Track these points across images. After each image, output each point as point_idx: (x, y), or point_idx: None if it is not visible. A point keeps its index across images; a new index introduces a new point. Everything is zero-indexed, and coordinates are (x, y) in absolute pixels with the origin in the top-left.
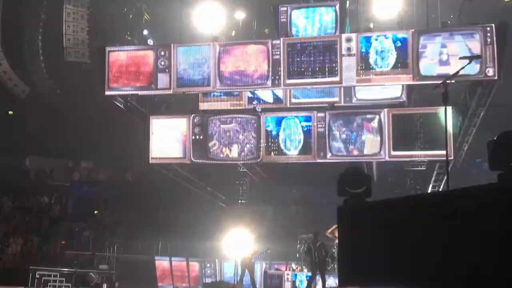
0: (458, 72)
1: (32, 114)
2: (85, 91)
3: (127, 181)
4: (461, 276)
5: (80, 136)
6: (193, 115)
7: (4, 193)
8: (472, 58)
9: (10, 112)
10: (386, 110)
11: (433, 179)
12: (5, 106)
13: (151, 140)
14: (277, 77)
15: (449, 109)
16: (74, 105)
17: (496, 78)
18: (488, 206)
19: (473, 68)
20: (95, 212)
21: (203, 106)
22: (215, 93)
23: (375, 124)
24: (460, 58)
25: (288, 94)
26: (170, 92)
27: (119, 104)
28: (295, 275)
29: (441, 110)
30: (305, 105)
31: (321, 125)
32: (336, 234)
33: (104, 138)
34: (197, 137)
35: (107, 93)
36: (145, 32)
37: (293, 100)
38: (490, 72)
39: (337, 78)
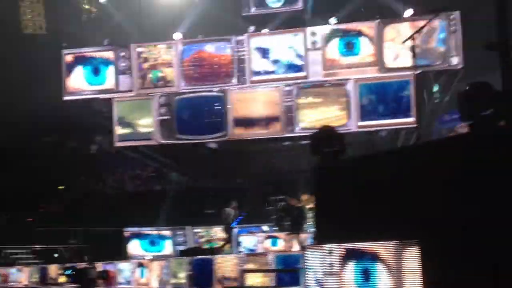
0: (424, 26)
1: None
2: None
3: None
4: (436, 226)
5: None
6: (158, 95)
7: None
8: (439, 11)
9: None
10: (353, 79)
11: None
12: None
13: (114, 124)
14: (242, 74)
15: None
16: None
17: (460, 67)
18: (462, 154)
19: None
20: (61, 187)
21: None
22: None
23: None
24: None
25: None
26: (133, 94)
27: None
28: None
29: (409, 77)
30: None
31: (288, 99)
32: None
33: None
34: (164, 117)
35: (65, 98)
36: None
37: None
38: (455, 61)
39: (303, 73)
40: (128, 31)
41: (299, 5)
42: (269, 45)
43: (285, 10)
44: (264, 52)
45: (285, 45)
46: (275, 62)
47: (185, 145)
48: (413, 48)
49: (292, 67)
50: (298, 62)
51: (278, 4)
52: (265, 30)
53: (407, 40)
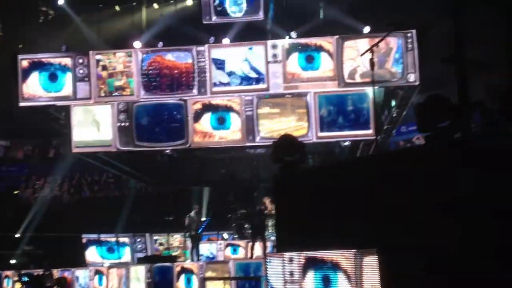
0: (382, 39)
1: None
2: None
3: (49, 158)
4: (395, 235)
5: None
6: (117, 101)
7: None
8: (396, 25)
9: None
10: (312, 91)
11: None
12: None
13: (72, 130)
14: (203, 85)
15: (377, 88)
16: None
17: (417, 83)
18: (418, 165)
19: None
20: (16, 192)
21: None
22: None
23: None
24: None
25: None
26: (91, 102)
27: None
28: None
29: (368, 90)
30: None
31: (249, 108)
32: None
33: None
34: (123, 124)
35: (21, 104)
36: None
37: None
38: (412, 77)
39: (264, 85)
40: (87, 36)
41: (260, 16)
42: (224, 56)
43: (246, 20)
44: (219, 64)
45: (240, 58)
46: (230, 74)
47: (144, 151)
48: (371, 62)
49: (247, 80)
50: (253, 74)
51: (239, 14)
52: (226, 40)
53: (365, 53)
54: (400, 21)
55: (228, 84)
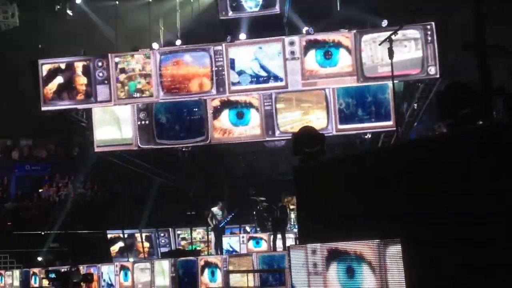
0: (402, 27)
1: None
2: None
3: (72, 157)
4: (417, 225)
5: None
6: (137, 103)
7: None
8: (416, 11)
9: None
10: (331, 87)
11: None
12: None
13: (94, 130)
14: (221, 84)
15: (397, 82)
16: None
17: (438, 76)
18: (440, 154)
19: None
20: (40, 190)
21: None
22: None
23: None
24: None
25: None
26: (111, 104)
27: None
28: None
29: (388, 83)
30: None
31: (268, 104)
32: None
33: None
34: (143, 122)
35: (43, 108)
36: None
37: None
38: (432, 70)
39: (282, 83)
40: (106, 36)
41: (277, 10)
42: (234, 55)
43: (262, 14)
44: (229, 63)
45: (249, 57)
46: (240, 73)
47: (165, 148)
48: (390, 51)
49: (256, 78)
50: (263, 73)
51: (256, 9)
52: (242, 35)
53: (383, 41)
54: (419, 8)
55: (238, 83)
